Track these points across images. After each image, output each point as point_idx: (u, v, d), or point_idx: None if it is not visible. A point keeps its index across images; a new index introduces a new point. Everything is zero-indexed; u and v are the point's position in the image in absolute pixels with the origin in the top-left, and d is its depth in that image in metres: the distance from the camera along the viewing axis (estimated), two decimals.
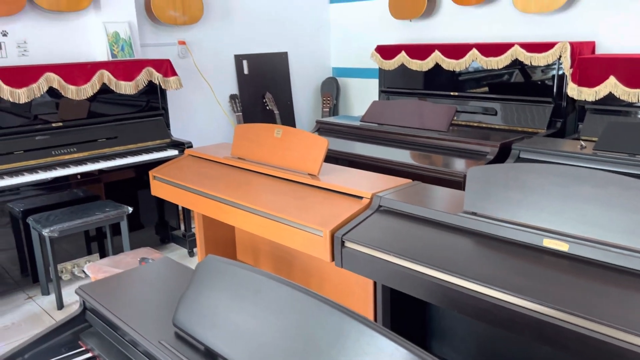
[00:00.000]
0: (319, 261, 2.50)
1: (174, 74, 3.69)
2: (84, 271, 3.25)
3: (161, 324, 1.25)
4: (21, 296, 3.17)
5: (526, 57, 3.43)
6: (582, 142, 2.75)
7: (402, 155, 3.25)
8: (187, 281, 1.46)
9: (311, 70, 5.24)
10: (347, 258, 1.91)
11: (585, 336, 1.31)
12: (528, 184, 1.68)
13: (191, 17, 4.11)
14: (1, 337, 2.75)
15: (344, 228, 1.94)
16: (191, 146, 3.62)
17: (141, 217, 3.64)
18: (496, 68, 3.61)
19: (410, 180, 2.21)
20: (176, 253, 3.73)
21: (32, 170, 3.08)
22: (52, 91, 3.23)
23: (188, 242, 3.69)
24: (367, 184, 2.18)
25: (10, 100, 3.06)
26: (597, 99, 3.11)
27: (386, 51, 4.23)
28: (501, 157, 2.96)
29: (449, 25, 4.34)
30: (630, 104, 3.04)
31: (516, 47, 3.48)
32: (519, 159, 2.82)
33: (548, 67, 3.41)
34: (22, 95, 3.08)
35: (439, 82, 4.01)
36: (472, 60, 3.71)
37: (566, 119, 3.42)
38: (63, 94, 3.25)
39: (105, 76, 3.40)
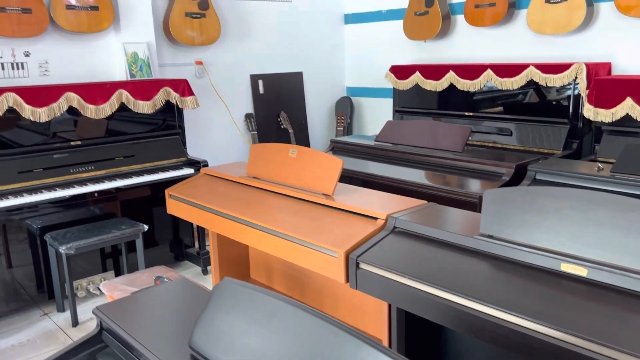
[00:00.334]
0: (333, 281, 2.50)
1: (191, 93, 3.74)
2: (99, 288, 3.27)
3: (177, 346, 1.25)
4: (37, 312, 3.19)
5: (541, 78, 3.43)
6: (599, 164, 2.73)
7: (416, 175, 3.25)
8: (203, 302, 1.46)
9: (326, 89, 5.28)
10: (362, 280, 1.90)
11: None
12: (545, 207, 1.67)
13: (208, 38, 4.18)
14: (17, 353, 2.77)
15: (359, 249, 1.93)
16: (207, 165, 3.65)
17: (156, 235, 3.67)
18: (511, 89, 3.61)
19: (425, 201, 2.21)
20: (190, 271, 3.74)
21: (50, 188, 3.12)
22: (71, 110, 3.29)
23: (202, 260, 3.70)
24: (381, 204, 2.17)
25: (32, 119, 3.12)
26: (613, 120, 3.09)
27: (400, 71, 4.25)
28: (517, 178, 2.94)
29: (463, 46, 4.36)
30: None
31: (531, 68, 3.48)
32: (535, 181, 2.80)
33: (563, 87, 3.40)
34: (42, 115, 3.14)
35: (453, 102, 4.01)
36: (487, 81, 3.71)
37: (582, 140, 3.40)
38: (82, 113, 3.31)
39: (124, 96, 3.46)
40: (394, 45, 4.90)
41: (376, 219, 2.07)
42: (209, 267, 3.72)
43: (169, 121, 3.74)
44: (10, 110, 3.07)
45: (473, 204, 2.84)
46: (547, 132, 3.47)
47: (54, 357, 1.35)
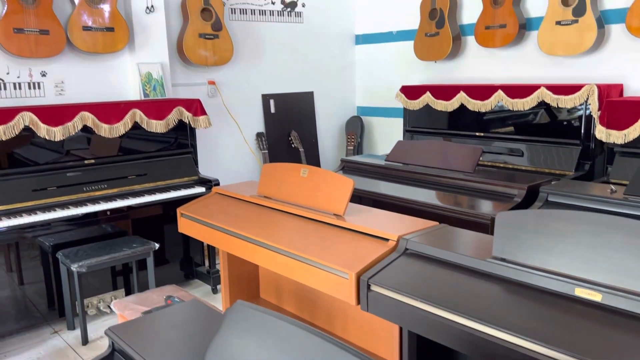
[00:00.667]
0: (343, 302, 2.48)
1: (204, 113, 3.78)
2: (109, 306, 3.28)
3: None
4: (47, 330, 3.20)
5: (553, 99, 3.43)
6: (612, 186, 2.71)
7: (427, 196, 3.24)
8: (214, 324, 1.46)
9: (336, 109, 5.31)
10: (373, 302, 1.89)
11: None
12: (559, 231, 1.66)
13: (221, 58, 4.24)
14: None
15: (370, 271, 1.92)
16: (218, 183, 3.67)
17: (166, 253, 3.68)
18: (522, 109, 3.61)
19: (436, 223, 2.20)
20: (200, 290, 3.74)
21: (63, 206, 3.15)
22: (84, 128, 3.34)
23: (212, 278, 3.70)
24: (393, 225, 2.17)
25: (47, 138, 3.16)
26: (626, 141, 3.07)
27: (411, 91, 4.27)
28: (529, 199, 2.92)
29: (473, 67, 4.38)
30: None
31: (542, 89, 3.48)
32: (547, 202, 2.78)
33: (575, 108, 3.40)
34: (57, 133, 3.19)
35: (463, 122, 4.02)
36: (498, 102, 3.72)
37: (594, 161, 3.38)
38: (96, 132, 3.35)
39: (138, 115, 3.50)
40: (404, 65, 4.93)
41: (387, 240, 2.07)
42: (219, 286, 3.72)
43: (182, 140, 3.77)
44: (26, 128, 3.12)
45: (485, 226, 2.83)
46: (558, 153, 3.45)
47: None
